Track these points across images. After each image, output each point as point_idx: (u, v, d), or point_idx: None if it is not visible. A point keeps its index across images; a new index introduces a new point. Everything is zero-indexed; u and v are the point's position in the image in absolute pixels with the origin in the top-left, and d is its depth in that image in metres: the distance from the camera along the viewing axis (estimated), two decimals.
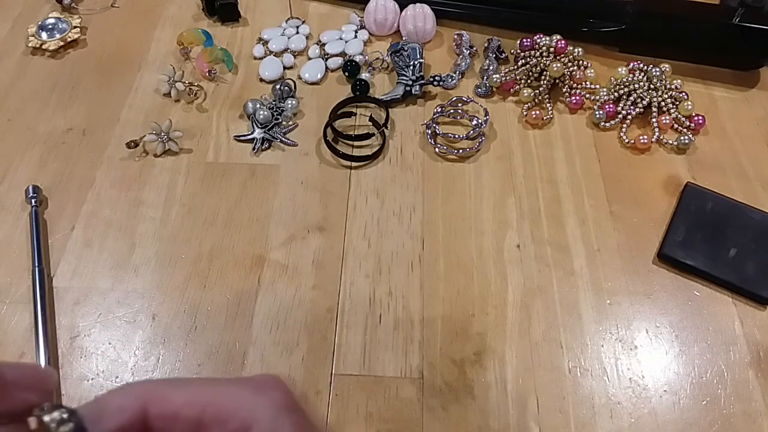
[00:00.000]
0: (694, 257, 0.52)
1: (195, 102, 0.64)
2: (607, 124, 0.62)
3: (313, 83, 0.66)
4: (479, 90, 0.65)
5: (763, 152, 0.60)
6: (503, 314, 0.50)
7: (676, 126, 0.62)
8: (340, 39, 0.70)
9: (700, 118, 0.62)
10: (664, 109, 0.62)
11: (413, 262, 0.53)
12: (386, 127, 0.61)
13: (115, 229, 0.54)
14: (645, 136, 0.60)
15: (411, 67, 0.64)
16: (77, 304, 0.50)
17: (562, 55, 0.63)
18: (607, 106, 0.62)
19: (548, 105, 0.63)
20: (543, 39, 0.64)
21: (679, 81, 0.63)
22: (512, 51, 0.67)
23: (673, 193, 0.57)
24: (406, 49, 0.65)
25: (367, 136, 0.60)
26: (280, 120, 0.62)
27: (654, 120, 0.61)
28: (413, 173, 0.58)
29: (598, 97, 0.63)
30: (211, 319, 0.49)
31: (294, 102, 0.62)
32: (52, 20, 0.70)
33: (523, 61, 0.65)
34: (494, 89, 0.65)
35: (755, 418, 0.45)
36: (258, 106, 0.62)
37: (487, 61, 0.67)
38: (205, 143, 0.60)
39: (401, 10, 0.70)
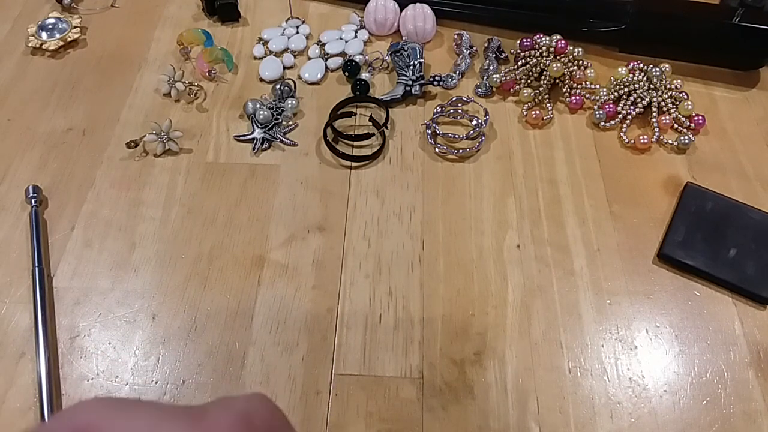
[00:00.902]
0: (694, 257, 0.52)
1: (195, 102, 0.64)
2: (607, 124, 0.62)
3: (313, 83, 0.66)
4: (479, 90, 0.65)
5: (763, 152, 0.60)
6: (503, 314, 0.50)
7: (676, 126, 0.62)
8: (340, 39, 0.70)
9: (700, 118, 0.62)
10: (664, 109, 0.62)
11: (413, 262, 0.53)
12: (386, 127, 0.61)
13: (115, 229, 0.54)
14: (645, 136, 0.60)
15: (411, 67, 0.64)
16: (77, 304, 0.50)
17: (562, 55, 0.63)
18: (607, 106, 0.62)
19: (548, 105, 0.63)
20: (543, 39, 0.64)
21: (679, 81, 0.63)
22: (512, 51, 0.67)
23: (673, 193, 0.57)
24: (406, 49, 0.65)
25: (367, 136, 0.60)
26: (280, 120, 0.62)
27: (654, 120, 0.61)
28: (413, 173, 0.58)
29: (598, 97, 0.63)
30: (211, 319, 0.49)
31: (294, 102, 0.62)
32: (52, 20, 0.70)
33: (523, 61, 0.65)
34: (494, 89, 0.65)
35: (755, 418, 0.45)
36: (258, 106, 0.62)
37: (487, 61, 0.67)
38: (205, 143, 0.60)
39: (401, 10, 0.69)
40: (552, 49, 0.63)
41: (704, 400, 0.46)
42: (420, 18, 0.68)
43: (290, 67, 0.68)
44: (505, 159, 0.60)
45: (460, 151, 0.59)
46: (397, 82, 0.64)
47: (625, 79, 0.63)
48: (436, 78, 0.64)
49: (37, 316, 0.48)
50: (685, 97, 0.63)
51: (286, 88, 0.63)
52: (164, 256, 0.53)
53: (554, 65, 0.62)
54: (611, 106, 0.62)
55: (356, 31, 0.71)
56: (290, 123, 0.62)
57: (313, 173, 0.58)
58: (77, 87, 0.65)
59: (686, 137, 0.60)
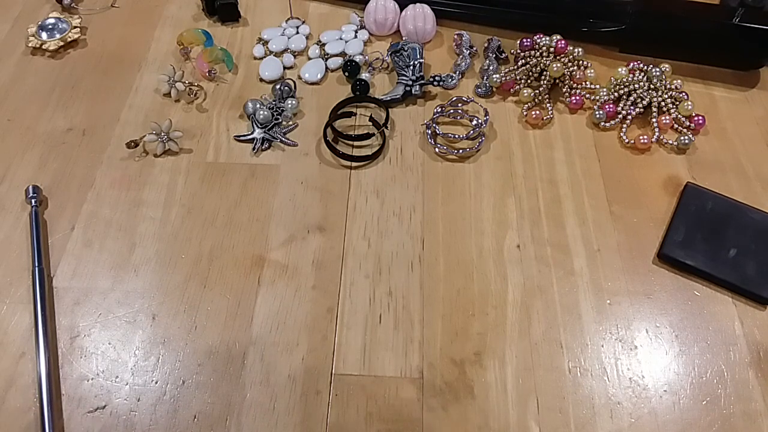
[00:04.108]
0: (694, 257, 0.52)
1: (195, 102, 0.64)
2: (607, 124, 0.62)
3: (313, 83, 0.66)
4: (479, 90, 0.65)
5: (763, 152, 0.60)
6: (503, 314, 0.50)
7: (676, 126, 0.62)
8: (340, 39, 0.70)
9: (700, 118, 0.62)
10: (664, 109, 0.62)
11: (413, 262, 0.53)
12: (386, 127, 0.61)
13: (115, 229, 0.54)
14: (645, 136, 0.60)
15: (411, 67, 0.64)
16: (77, 304, 0.50)
17: (562, 55, 0.63)
18: (607, 106, 0.62)
19: (548, 105, 0.63)
20: (543, 39, 0.64)
21: (679, 81, 0.63)
22: (512, 51, 0.67)
23: (673, 193, 0.57)
24: (406, 49, 0.65)
25: (367, 136, 0.60)
26: (280, 120, 0.62)
27: (654, 120, 0.61)
28: (413, 173, 0.58)
29: (598, 97, 0.63)
30: (211, 319, 0.49)
31: (294, 102, 0.62)
32: (52, 20, 0.70)
33: (523, 61, 0.65)
34: (494, 89, 0.65)
35: (755, 418, 0.45)
36: (258, 106, 0.62)
37: (487, 61, 0.67)
38: (205, 143, 0.60)
39: (401, 10, 0.70)
40: (552, 49, 0.63)
41: (704, 400, 0.46)
42: (420, 18, 0.68)
43: (290, 67, 0.68)
44: (505, 159, 0.60)
45: (460, 151, 0.59)
46: (397, 82, 0.64)
47: (625, 79, 0.63)
48: (436, 78, 0.64)
49: (37, 316, 0.48)
50: (685, 97, 0.63)
51: (286, 88, 0.63)
52: (164, 256, 0.53)
53: (554, 65, 0.62)
54: (611, 106, 0.62)
55: (356, 31, 0.71)
56: (290, 123, 0.62)
57: (313, 173, 0.58)
58: (77, 87, 0.65)
59: (686, 137, 0.60)
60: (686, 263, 0.52)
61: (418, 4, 0.69)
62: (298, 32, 0.71)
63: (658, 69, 0.62)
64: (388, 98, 0.63)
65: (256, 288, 0.51)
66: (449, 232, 0.54)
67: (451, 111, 0.62)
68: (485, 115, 0.61)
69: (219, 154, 0.60)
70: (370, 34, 0.71)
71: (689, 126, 0.62)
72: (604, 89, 0.63)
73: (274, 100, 0.63)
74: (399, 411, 0.45)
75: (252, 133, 0.61)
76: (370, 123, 0.61)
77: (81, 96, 0.64)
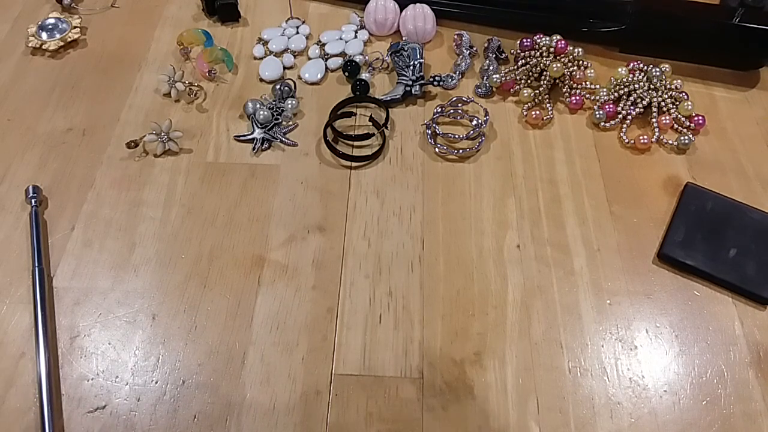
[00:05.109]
0: (694, 257, 0.52)
1: (195, 102, 0.64)
2: (607, 124, 0.62)
3: (313, 83, 0.66)
4: (479, 90, 0.65)
5: (763, 152, 0.60)
6: (503, 314, 0.50)
7: (676, 126, 0.62)
8: (340, 39, 0.70)
9: (700, 118, 0.62)
10: (664, 109, 0.62)
11: (413, 262, 0.53)
12: (386, 127, 0.61)
13: (115, 229, 0.54)
14: (645, 136, 0.60)
15: (411, 67, 0.64)
16: (77, 304, 0.50)
17: (562, 55, 0.63)
18: (607, 106, 0.62)
19: (548, 105, 0.63)
20: (543, 39, 0.64)
21: (679, 81, 0.63)
22: (512, 51, 0.67)
23: (673, 193, 0.57)
24: (406, 49, 0.65)
25: (367, 136, 0.60)
26: (280, 120, 0.62)
27: (654, 120, 0.61)
28: (413, 173, 0.58)
29: (598, 97, 0.63)
30: (211, 319, 0.49)
31: (294, 102, 0.62)
32: (52, 20, 0.70)
33: (523, 61, 0.65)
34: (494, 89, 0.65)
35: (755, 418, 0.45)
36: (258, 106, 0.62)
37: (487, 61, 0.67)
38: (205, 143, 0.60)
39: (401, 10, 0.70)
40: (552, 49, 0.63)
41: (704, 400, 0.46)
42: (420, 18, 0.68)
43: (290, 67, 0.68)
44: (505, 159, 0.60)
45: (460, 151, 0.59)
46: (397, 82, 0.64)
47: (625, 79, 0.63)
48: (436, 78, 0.64)
49: (37, 316, 0.48)
50: (685, 97, 0.63)
51: (286, 88, 0.63)
52: (164, 256, 0.53)
53: (554, 65, 0.62)
54: (611, 106, 0.62)
55: (356, 32, 0.71)
56: (290, 123, 0.62)
57: (313, 173, 0.58)
58: (77, 87, 0.65)
59: (686, 137, 0.60)
60: (686, 263, 0.52)
61: (418, 4, 0.69)
62: (298, 32, 0.71)
63: (658, 69, 0.62)
64: (388, 98, 0.63)
65: (256, 288, 0.51)
66: (449, 232, 0.54)
67: (451, 111, 0.62)
68: (485, 115, 0.61)
69: (219, 154, 0.60)
70: (370, 34, 0.71)
71: (689, 126, 0.62)
72: (604, 89, 0.63)
73: (274, 100, 0.63)
74: (399, 411, 0.45)
75: (252, 133, 0.61)
76: (370, 123, 0.61)
77: (81, 96, 0.64)
